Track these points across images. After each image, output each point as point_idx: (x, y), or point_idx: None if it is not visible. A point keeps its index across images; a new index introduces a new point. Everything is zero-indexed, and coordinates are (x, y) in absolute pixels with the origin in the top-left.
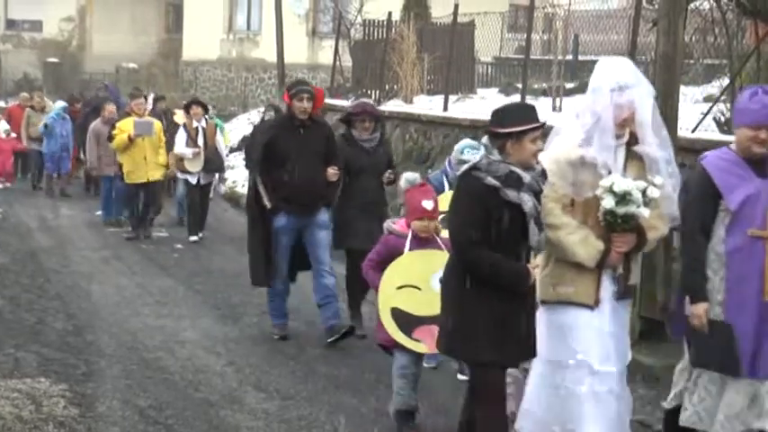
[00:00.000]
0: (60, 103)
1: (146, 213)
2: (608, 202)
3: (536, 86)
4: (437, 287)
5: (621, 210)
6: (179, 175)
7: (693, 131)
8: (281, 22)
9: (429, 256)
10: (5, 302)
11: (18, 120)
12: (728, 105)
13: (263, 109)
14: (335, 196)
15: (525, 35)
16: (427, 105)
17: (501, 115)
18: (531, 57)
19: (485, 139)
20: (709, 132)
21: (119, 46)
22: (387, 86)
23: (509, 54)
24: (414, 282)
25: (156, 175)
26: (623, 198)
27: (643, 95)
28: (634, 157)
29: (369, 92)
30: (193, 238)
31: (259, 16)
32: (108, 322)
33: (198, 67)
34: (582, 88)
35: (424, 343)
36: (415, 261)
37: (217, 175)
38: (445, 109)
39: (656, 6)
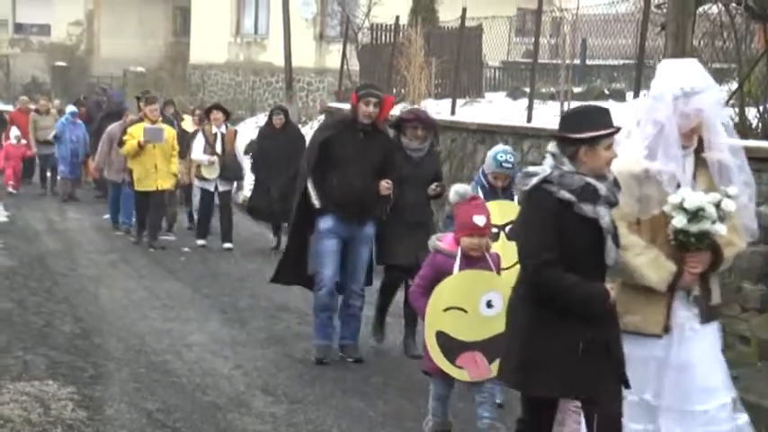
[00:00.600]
0: (70, 108)
1: (152, 222)
2: (679, 221)
3: (544, 90)
4: (485, 311)
5: (694, 228)
6: (196, 182)
7: None
8: (289, 25)
9: (478, 276)
10: (14, 305)
11: (20, 125)
12: (737, 110)
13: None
14: (385, 212)
15: (533, 39)
16: (435, 109)
17: (574, 119)
18: (539, 61)
19: (551, 146)
20: None
21: (126, 50)
22: (394, 90)
23: (517, 58)
24: (461, 304)
25: (166, 184)
26: (696, 215)
27: (712, 102)
28: (704, 166)
29: None
30: (201, 241)
31: (267, 20)
32: (116, 325)
33: (205, 71)
34: (590, 92)
35: (468, 371)
36: (464, 282)
37: (235, 183)
38: (453, 113)
39: (665, 10)
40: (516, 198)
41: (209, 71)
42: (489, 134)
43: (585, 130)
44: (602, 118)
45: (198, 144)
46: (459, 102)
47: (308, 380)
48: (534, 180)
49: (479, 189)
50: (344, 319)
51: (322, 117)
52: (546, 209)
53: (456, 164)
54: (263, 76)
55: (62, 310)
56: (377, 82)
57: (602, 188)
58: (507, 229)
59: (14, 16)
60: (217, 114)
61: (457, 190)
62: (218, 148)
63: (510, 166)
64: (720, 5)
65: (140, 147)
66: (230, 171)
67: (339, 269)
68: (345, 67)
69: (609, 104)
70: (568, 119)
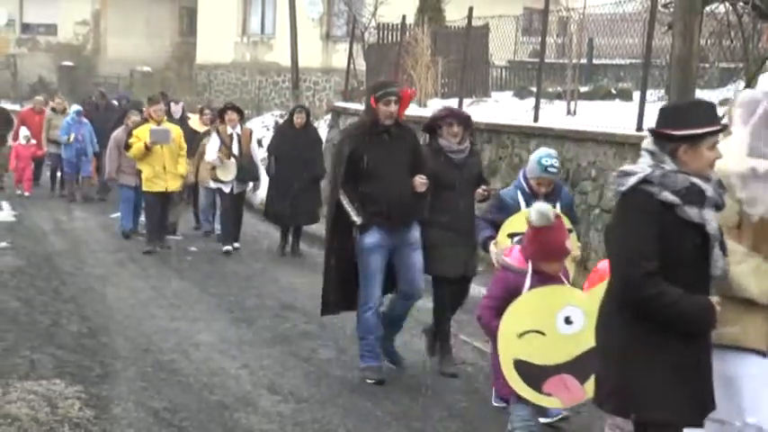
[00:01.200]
0: (75, 107)
1: (162, 225)
2: None
3: (550, 90)
4: (564, 329)
5: None
6: (211, 184)
7: None
8: (295, 25)
9: (551, 293)
10: (21, 305)
11: (31, 125)
12: None
13: (277, 112)
14: (426, 209)
15: (540, 39)
16: None
17: (676, 115)
18: (546, 60)
19: (647, 142)
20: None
21: (133, 50)
22: None
23: (523, 57)
24: (537, 326)
25: (174, 185)
26: None
27: None
28: None
29: None
30: (227, 248)
31: (273, 20)
32: (122, 325)
33: (212, 71)
34: (597, 92)
35: (558, 397)
36: (537, 301)
37: (251, 184)
38: None
39: (672, 10)
40: (558, 206)
41: (216, 71)
42: (496, 133)
43: (688, 127)
44: (708, 113)
45: (213, 145)
46: (466, 101)
47: (314, 379)
48: (632, 180)
49: (520, 194)
50: (390, 319)
51: (328, 117)
52: (646, 212)
53: None
54: (269, 76)
55: (69, 310)
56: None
57: (708, 189)
58: None
59: (21, 16)
60: (231, 115)
61: (540, 210)
62: (235, 149)
63: (555, 170)
64: (728, 4)
65: (147, 149)
66: (247, 172)
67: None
68: (352, 66)
69: (615, 104)
70: (671, 114)
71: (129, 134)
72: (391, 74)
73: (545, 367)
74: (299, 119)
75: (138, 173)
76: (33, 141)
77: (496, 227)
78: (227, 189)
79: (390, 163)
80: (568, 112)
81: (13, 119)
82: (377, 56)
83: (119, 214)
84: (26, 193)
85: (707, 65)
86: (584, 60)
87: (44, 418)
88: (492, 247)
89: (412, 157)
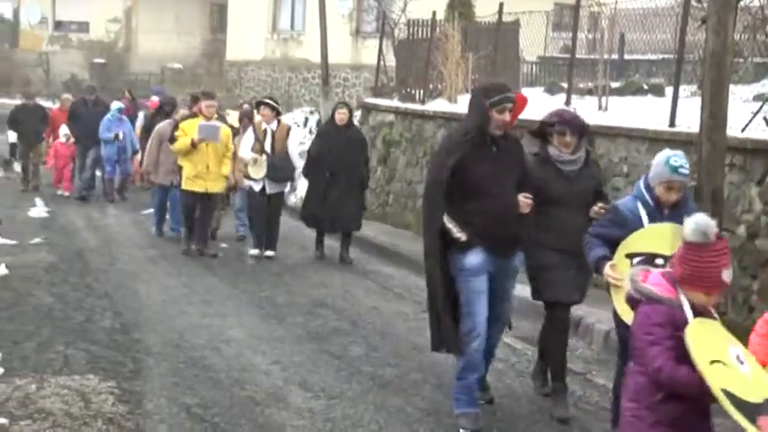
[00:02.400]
0: (116, 104)
1: (200, 227)
2: None
3: (581, 85)
4: (740, 367)
5: None
6: (243, 183)
7: (743, 131)
8: (325, 21)
9: (713, 326)
10: (55, 300)
11: (60, 124)
12: None
13: (307, 109)
14: (527, 232)
15: (570, 34)
16: None
17: None
18: (577, 56)
19: None
20: (759, 132)
21: (164, 47)
22: (431, 86)
23: (554, 53)
24: (720, 357)
25: (216, 187)
26: None
27: None
28: None
29: (413, 91)
30: (254, 251)
31: (303, 16)
32: (154, 321)
33: (242, 68)
34: (628, 87)
35: None
36: (710, 332)
37: (288, 185)
38: None
39: (705, 4)
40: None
41: (246, 67)
42: (527, 129)
43: None
44: None
45: (246, 141)
46: None
47: (345, 375)
48: None
49: (641, 206)
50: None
51: (358, 113)
52: None
53: None
54: (299, 72)
55: (102, 306)
56: (413, 77)
57: None
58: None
59: (54, 14)
60: (265, 110)
61: (699, 226)
62: (268, 146)
63: (686, 172)
64: None
65: (193, 145)
66: (280, 171)
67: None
68: (382, 62)
69: (647, 100)
70: None
71: (176, 127)
72: (421, 70)
73: (752, 404)
74: (340, 115)
75: (179, 169)
76: (73, 140)
77: (611, 244)
78: (257, 187)
79: (497, 178)
80: (600, 108)
81: (48, 115)
82: (407, 52)
83: (151, 211)
84: (66, 193)
85: (741, 60)
86: (615, 56)
87: (78, 413)
88: (608, 270)
89: (519, 171)
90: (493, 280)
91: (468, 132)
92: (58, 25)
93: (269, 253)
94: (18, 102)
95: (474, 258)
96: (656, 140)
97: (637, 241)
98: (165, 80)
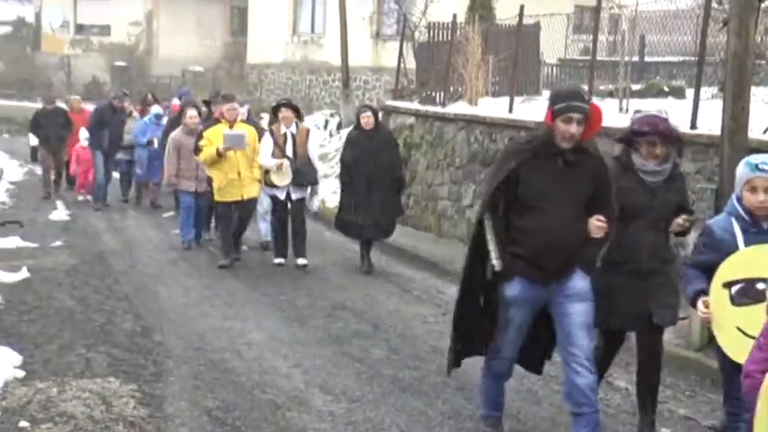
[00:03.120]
0: (155, 109)
1: (238, 235)
2: None
3: (602, 88)
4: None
5: None
6: (264, 190)
7: (765, 132)
8: (346, 24)
9: None
10: (76, 303)
11: (79, 128)
12: None
13: (327, 111)
14: (597, 258)
15: (591, 36)
16: (492, 107)
17: None
18: (597, 58)
19: None
20: None
21: (184, 50)
22: (451, 88)
23: (574, 55)
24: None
25: (253, 191)
26: None
27: None
28: None
29: (433, 94)
30: (279, 260)
31: (323, 19)
32: (175, 323)
33: (262, 70)
34: (649, 90)
35: None
36: None
37: (309, 189)
38: (510, 111)
39: (726, 6)
40: None
41: (266, 70)
42: None
43: None
44: None
45: (265, 146)
46: (517, 99)
47: (366, 379)
48: None
49: (735, 222)
50: (576, 411)
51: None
52: None
53: None
54: (319, 75)
55: (123, 308)
56: (434, 80)
57: None
58: None
59: (75, 17)
60: (286, 112)
61: None
62: (289, 151)
63: None
64: None
65: (219, 155)
66: (303, 176)
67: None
68: (402, 65)
69: (668, 102)
70: None
71: (200, 136)
72: (442, 72)
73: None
74: (365, 119)
75: (208, 180)
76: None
77: (711, 272)
78: (281, 195)
79: (558, 196)
80: (621, 110)
81: (71, 120)
82: (427, 54)
83: (172, 213)
84: (89, 197)
85: (763, 62)
86: (636, 58)
87: (99, 416)
88: (701, 307)
89: (591, 189)
90: (549, 306)
91: (532, 140)
92: (80, 29)
93: (302, 261)
94: (39, 105)
95: (512, 290)
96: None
97: (733, 267)
98: (186, 83)
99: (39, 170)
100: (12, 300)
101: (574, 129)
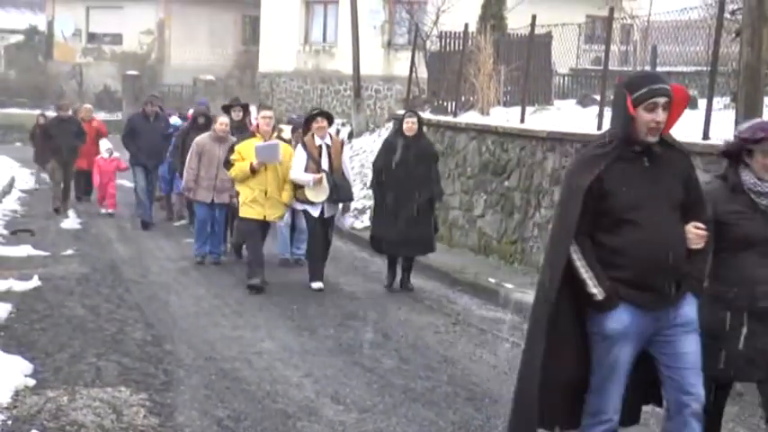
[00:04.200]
0: (175, 119)
1: (255, 255)
2: None
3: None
4: None
5: None
6: (297, 205)
7: None
8: (357, 33)
9: None
10: (87, 312)
11: (91, 138)
12: None
13: (339, 121)
14: (703, 274)
15: (603, 46)
16: (504, 117)
17: None
18: (609, 68)
19: None
20: None
21: (196, 58)
22: (463, 98)
23: (586, 65)
24: None
25: (275, 215)
26: None
27: None
28: None
29: (445, 103)
30: (318, 285)
31: (335, 28)
32: (186, 332)
33: (274, 79)
34: None
35: None
36: None
37: (341, 205)
38: (522, 121)
39: (739, 16)
40: None
41: (278, 79)
42: (559, 142)
43: None
44: None
45: (299, 160)
46: (529, 109)
47: (376, 388)
48: None
49: None
50: None
51: (390, 125)
52: None
53: (525, 172)
54: (330, 84)
55: (133, 317)
56: (445, 89)
57: None
58: None
59: (88, 26)
60: (321, 122)
61: None
62: (325, 164)
63: None
64: None
65: (253, 171)
66: (341, 191)
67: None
68: (414, 74)
69: None
70: None
71: (231, 149)
72: (454, 82)
73: None
74: (408, 124)
75: (236, 194)
76: (117, 154)
77: None
78: (315, 212)
79: (652, 202)
80: None
81: (84, 131)
82: (439, 64)
83: (183, 222)
84: (110, 211)
85: None
86: (647, 68)
87: (110, 426)
88: None
89: (684, 192)
90: (651, 344)
91: (607, 143)
92: (92, 37)
93: (317, 285)
94: (52, 114)
95: (615, 322)
96: (689, 153)
97: None
98: (198, 92)
99: (46, 176)
100: (23, 308)
101: (660, 116)
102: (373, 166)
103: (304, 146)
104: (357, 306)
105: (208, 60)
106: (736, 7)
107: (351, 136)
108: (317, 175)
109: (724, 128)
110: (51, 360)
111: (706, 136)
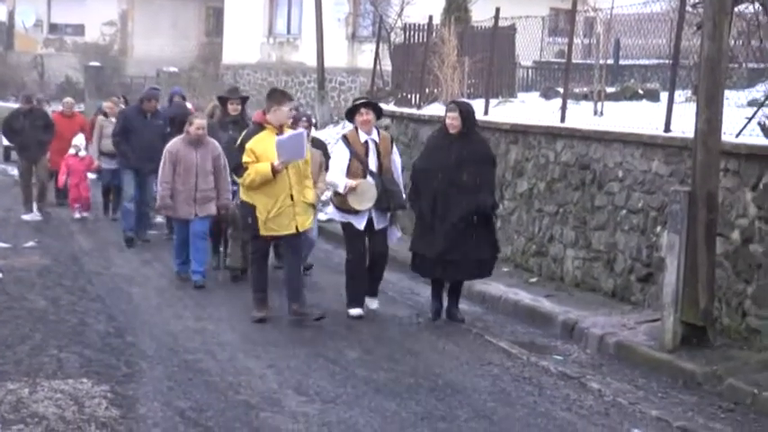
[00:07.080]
0: None
1: (290, 278)
2: None
3: (577, 90)
4: None
5: None
6: (337, 217)
7: (737, 136)
8: (321, 25)
9: None
10: (48, 304)
11: (63, 131)
12: None
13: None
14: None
15: (566, 39)
16: None
17: None
18: (573, 61)
19: None
20: (754, 137)
21: (159, 50)
22: (427, 90)
23: (549, 58)
24: None
25: (308, 221)
26: None
27: None
28: None
29: (409, 95)
30: (356, 311)
31: (299, 20)
32: (149, 324)
33: (238, 71)
34: (624, 92)
35: None
36: None
37: (388, 216)
38: (486, 113)
39: (700, 10)
40: None
41: (242, 71)
42: (522, 134)
43: None
44: None
45: (339, 159)
46: (492, 102)
47: (340, 380)
48: None
49: None
50: None
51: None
52: None
53: None
54: (294, 76)
55: (96, 309)
56: (409, 82)
57: None
58: None
59: (49, 16)
60: (366, 115)
61: None
62: (372, 164)
63: None
64: (757, 5)
65: (275, 173)
66: (391, 198)
67: None
68: (378, 66)
69: (642, 104)
70: None
71: (241, 148)
72: (418, 74)
73: None
74: (449, 119)
75: (253, 210)
76: (84, 153)
77: None
78: (360, 224)
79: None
80: (595, 113)
81: (53, 123)
82: (403, 56)
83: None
84: (85, 214)
85: (735, 65)
86: (610, 61)
87: (71, 417)
88: None
89: None
90: None
91: None
92: (53, 28)
93: (374, 305)
94: (14, 105)
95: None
96: (651, 145)
97: None
98: (161, 83)
99: (10, 169)
100: None
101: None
102: (413, 167)
103: (347, 142)
104: (320, 297)
105: (171, 52)
106: (697, 0)
107: (315, 127)
108: (352, 182)
109: (686, 120)
110: (12, 352)
111: (668, 128)
